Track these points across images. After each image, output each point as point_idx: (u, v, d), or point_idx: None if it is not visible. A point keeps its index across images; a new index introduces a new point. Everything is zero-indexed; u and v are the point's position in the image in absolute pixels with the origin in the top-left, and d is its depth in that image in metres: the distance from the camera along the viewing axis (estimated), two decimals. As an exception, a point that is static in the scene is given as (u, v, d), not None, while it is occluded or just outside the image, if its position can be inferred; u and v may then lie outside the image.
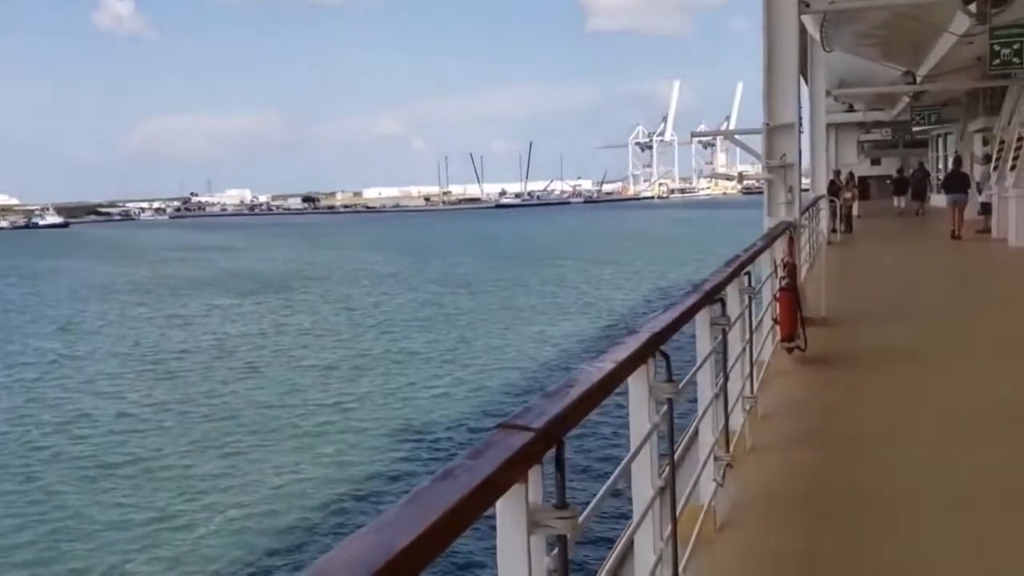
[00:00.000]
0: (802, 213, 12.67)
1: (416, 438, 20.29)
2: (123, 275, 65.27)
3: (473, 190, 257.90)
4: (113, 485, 17.81)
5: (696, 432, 5.03)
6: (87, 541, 15.12)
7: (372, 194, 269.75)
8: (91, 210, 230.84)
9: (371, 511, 15.51)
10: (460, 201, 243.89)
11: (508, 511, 2.00)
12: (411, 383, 25.79)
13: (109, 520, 15.96)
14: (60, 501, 17.09)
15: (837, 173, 30.99)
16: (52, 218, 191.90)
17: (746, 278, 6.49)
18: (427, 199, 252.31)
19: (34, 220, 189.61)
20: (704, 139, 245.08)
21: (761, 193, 12.17)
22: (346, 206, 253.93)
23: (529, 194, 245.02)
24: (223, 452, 19.65)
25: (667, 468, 3.56)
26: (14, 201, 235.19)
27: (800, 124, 12.19)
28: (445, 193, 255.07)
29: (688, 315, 4.15)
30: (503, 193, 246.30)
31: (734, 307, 5.87)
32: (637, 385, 3.27)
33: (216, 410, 23.44)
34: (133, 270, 69.37)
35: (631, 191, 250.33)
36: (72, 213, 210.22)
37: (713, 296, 4.89)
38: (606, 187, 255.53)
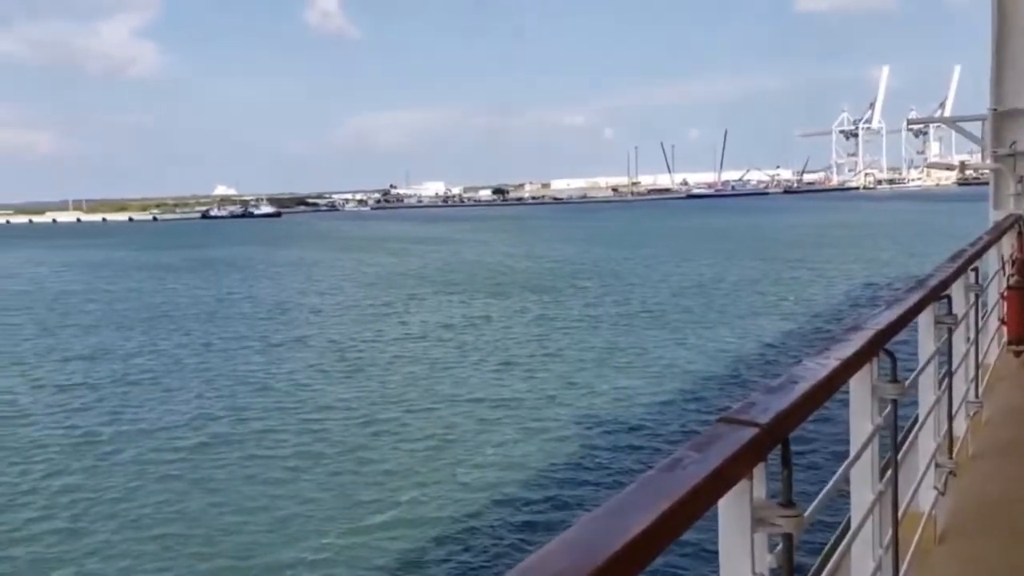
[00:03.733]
0: (1033, 205, 11.65)
1: (630, 429, 20.33)
2: (362, 265, 68.27)
3: (663, 180, 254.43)
4: (318, 470, 18.81)
5: (916, 436, 4.79)
6: (294, 524, 16.17)
7: (560, 185, 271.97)
8: (300, 201, 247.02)
9: (590, 496, 15.77)
10: (649, 191, 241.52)
11: (732, 505, 1.99)
12: (626, 375, 25.91)
13: (311, 505, 16.88)
14: (267, 483, 18.31)
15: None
16: (266, 208, 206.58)
17: (972, 274, 6.08)
18: (615, 190, 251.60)
19: (250, 209, 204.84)
20: (916, 127, 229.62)
21: (983, 184, 11.32)
22: (534, 197, 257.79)
23: (723, 183, 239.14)
24: (441, 439, 20.31)
25: (889, 472, 3.44)
26: (232, 192, 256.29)
27: (1033, 109, 11.18)
28: (634, 183, 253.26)
29: (913, 312, 3.96)
30: (684, 183, 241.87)
31: (959, 305, 5.50)
32: (860, 384, 3.17)
33: (442, 394, 24.41)
34: (380, 259, 72.63)
35: (834, 181, 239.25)
36: (283, 203, 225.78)
37: (939, 293, 4.63)
38: (807, 177, 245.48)
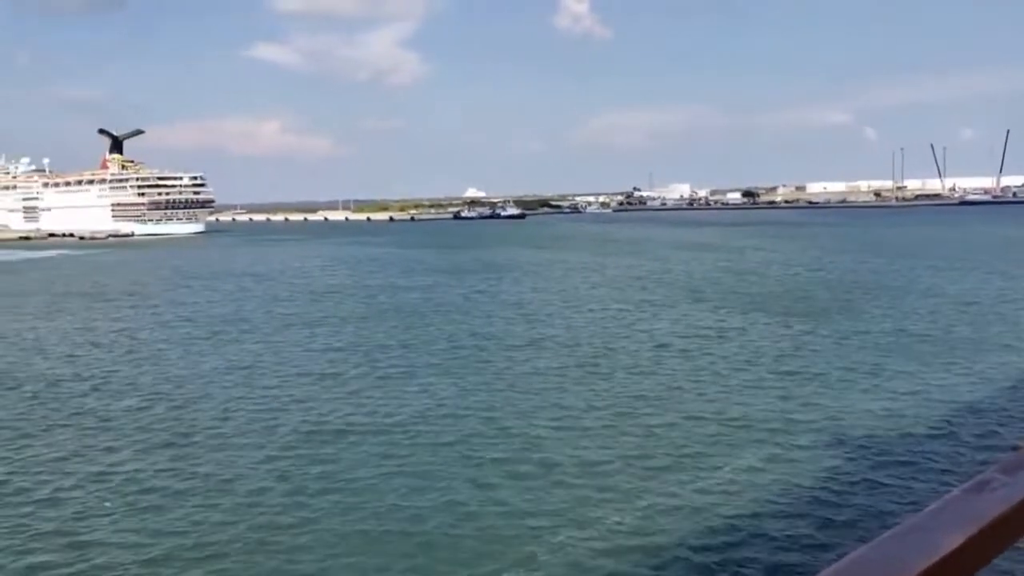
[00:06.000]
0: None
1: (898, 457, 18.48)
2: (604, 268, 68.53)
3: (933, 184, 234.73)
4: (549, 475, 18.23)
5: None
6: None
7: (816, 188, 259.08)
8: (543, 203, 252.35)
9: (858, 522, 14.52)
10: (917, 197, 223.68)
11: None
12: (895, 398, 23.64)
13: (545, 508, 16.24)
14: (490, 484, 17.81)
15: None
16: (511, 209, 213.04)
17: None
18: (877, 194, 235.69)
19: (497, 211, 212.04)
20: None
21: None
22: (787, 201, 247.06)
23: (1003, 189, 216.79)
24: (680, 454, 19.20)
25: None
26: (481, 194, 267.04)
27: None
28: (899, 188, 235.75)
29: None
30: (953, 189, 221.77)
31: None
32: None
33: (682, 406, 23.35)
34: (623, 262, 72.91)
35: None
36: (527, 205, 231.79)
37: None
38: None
